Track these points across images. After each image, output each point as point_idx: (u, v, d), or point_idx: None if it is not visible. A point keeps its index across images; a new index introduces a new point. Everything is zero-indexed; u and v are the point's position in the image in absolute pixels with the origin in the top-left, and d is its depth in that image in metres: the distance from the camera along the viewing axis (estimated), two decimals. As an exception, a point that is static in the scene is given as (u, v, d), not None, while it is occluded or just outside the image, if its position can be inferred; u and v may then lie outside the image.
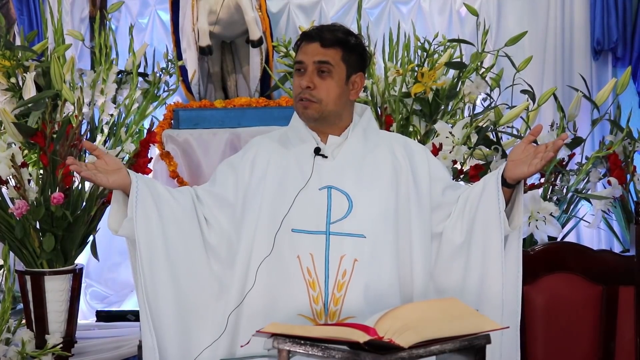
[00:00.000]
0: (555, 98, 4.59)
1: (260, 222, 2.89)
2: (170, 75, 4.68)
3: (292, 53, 4.91)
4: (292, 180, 2.89)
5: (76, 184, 4.10)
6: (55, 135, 4.00)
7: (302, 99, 2.88)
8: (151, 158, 4.31)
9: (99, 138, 4.27)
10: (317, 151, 2.92)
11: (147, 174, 4.28)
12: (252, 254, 2.88)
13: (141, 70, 4.73)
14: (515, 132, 4.49)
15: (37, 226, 4.05)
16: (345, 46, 2.91)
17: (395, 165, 2.96)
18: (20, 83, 4.34)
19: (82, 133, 4.18)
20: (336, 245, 2.84)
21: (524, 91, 4.42)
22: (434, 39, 4.49)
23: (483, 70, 4.55)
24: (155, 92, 4.53)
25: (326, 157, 2.91)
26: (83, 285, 4.52)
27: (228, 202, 2.95)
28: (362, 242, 2.85)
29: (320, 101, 2.88)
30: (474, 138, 4.24)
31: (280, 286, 2.84)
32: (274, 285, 2.84)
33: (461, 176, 4.14)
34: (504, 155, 4.31)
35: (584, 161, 4.59)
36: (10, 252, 4.10)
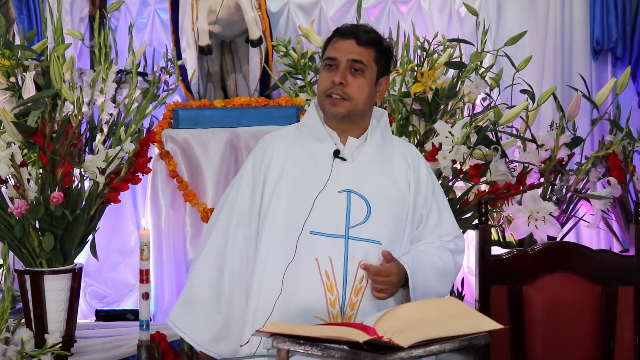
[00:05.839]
0: (555, 98, 4.59)
1: (277, 225, 2.87)
2: (170, 75, 4.68)
3: (292, 53, 4.92)
4: (310, 182, 2.87)
5: (75, 183, 4.10)
6: (54, 135, 4.00)
7: (332, 95, 2.85)
8: (151, 157, 4.30)
9: (99, 137, 4.27)
10: (336, 153, 2.89)
11: (147, 174, 4.28)
12: (268, 257, 2.87)
13: (141, 69, 4.72)
14: (514, 132, 4.50)
15: (37, 225, 4.05)
16: (379, 47, 2.91)
17: (407, 173, 2.95)
18: (20, 82, 4.34)
19: (81, 132, 4.18)
20: (354, 250, 2.83)
21: (523, 91, 4.43)
22: (433, 39, 4.49)
23: (482, 70, 4.56)
24: (155, 91, 4.52)
25: (345, 159, 2.89)
26: (82, 284, 4.52)
27: (248, 221, 2.96)
28: (377, 249, 2.84)
29: (351, 99, 2.85)
30: (474, 138, 4.24)
31: (297, 288, 2.82)
32: (290, 287, 2.82)
33: (461, 176, 4.14)
34: (504, 155, 4.32)
35: (583, 161, 4.60)
36: (10, 252, 4.10)
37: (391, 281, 2.79)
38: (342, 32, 2.90)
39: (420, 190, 2.95)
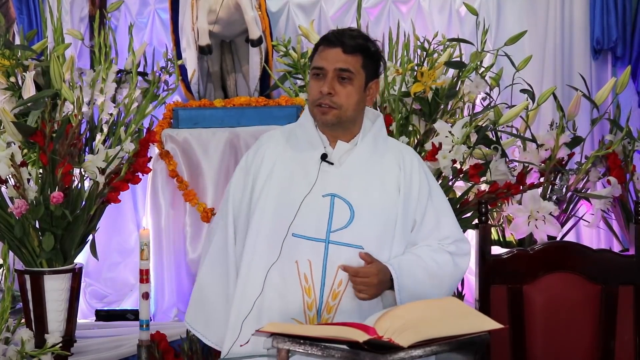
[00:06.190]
0: (555, 97, 4.59)
1: (263, 226, 2.89)
2: (170, 75, 4.68)
3: (292, 52, 4.92)
4: (297, 186, 2.89)
5: (75, 183, 4.10)
6: (54, 135, 4.00)
7: (321, 105, 2.87)
8: (151, 157, 4.30)
9: (99, 137, 4.27)
10: (323, 157, 2.90)
11: (147, 173, 4.28)
12: (254, 256, 2.89)
13: (141, 69, 4.72)
14: (514, 132, 4.49)
15: (37, 225, 4.05)
16: (366, 53, 2.90)
17: (398, 177, 2.94)
18: (20, 82, 4.34)
19: (81, 132, 4.18)
20: (334, 254, 2.84)
21: (523, 90, 4.42)
22: (433, 38, 4.49)
23: (482, 69, 4.56)
24: (155, 91, 4.52)
25: (332, 163, 2.90)
26: (82, 284, 4.52)
27: (239, 216, 3.01)
28: (359, 253, 2.85)
29: (340, 107, 2.86)
30: (474, 137, 4.24)
31: (276, 289, 2.85)
32: (270, 288, 2.85)
33: (461, 175, 4.14)
34: (504, 155, 4.32)
35: (583, 160, 4.60)
36: (10, 252, 4.10)
37: (370, 282, 2.79)
38: (328, 40, 2.90)
39: (412, 194, 2.94)
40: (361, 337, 2.36)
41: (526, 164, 4.41)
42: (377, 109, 4.36)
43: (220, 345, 3.00)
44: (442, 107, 4.42)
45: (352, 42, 2.88)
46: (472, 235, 4.89)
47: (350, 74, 2.86)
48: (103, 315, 5.00)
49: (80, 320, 4.53)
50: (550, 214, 4.26)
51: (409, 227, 2.94)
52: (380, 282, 2.80)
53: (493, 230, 4.56)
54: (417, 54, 4.50)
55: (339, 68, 2.86)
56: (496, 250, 3.99)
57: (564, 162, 4.51)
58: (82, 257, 4.58)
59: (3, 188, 4.05)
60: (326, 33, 2.99)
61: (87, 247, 4.23)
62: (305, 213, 2.85)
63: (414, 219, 2.94)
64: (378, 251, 2.85)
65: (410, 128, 4.40)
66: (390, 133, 4.25)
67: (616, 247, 4.92)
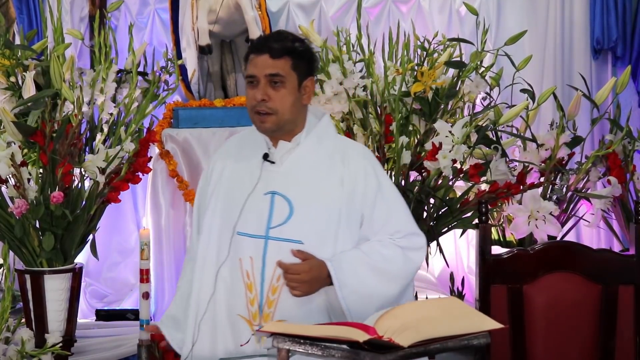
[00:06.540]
0: (555, 97, 4.59)
1: (213, 227, 2.97)
2: (170, 74, 4.67)
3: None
4: (242, 186, 2.94)
5: (75, 182, 4.10)
6: (54, 134, 4.00)
7: (259, 112, 2.91)
8: (151, 157, 4.31)
9: (99, 137, 4.27)
10: (265, 157, 2.95)
11: (147, 173, 4.28)
12: (206, 257, 2.96)
13: (141, 69, 4.72)
14: (514, 132, 4.49)
15: (37, 225, 4.05)
16: (294, 54, 2.93)
17: (342, 172, 2.95)
18: (20, 82, 4.34)
19: (81, 132, 4.18)
20: (274, 250, 2.88)
21: (523, 90, 4.42)
22: (433, 38, 4.49)
23: (483, 69, 4.55)
24: (155, 91, 4.52)
25: (274, 162, 2.94)
26: (82, 284, 4.52)
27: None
28: (298, 248, 2.87)
29: (277, 112, 2.90)
30: (474, 137, 4.24)
31: (224, 287, 2.91)
32: (220, 287, 2.92)
33: (461, 175, 4.14)
34: (504, 154, 4.32)
35: (583, 160, 4.59)
36: (10, 251, 4.10)
37: (301, 279, 2.81)
38: (256, 48, 2.95)
39: (357, 189, 2.94)
40: (361, 337, 2.36)
41: (526, 164, 4.41)
42: (377, 109, 4.38)
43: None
44: (442, 107, 4.42)
45: (278, 45, 2.91)
46: (472, 235, 4.90)
47: (280, 77, 2.90)
48: (103, 315, 5.01)
49: (80, 320, 4.53)
50: (550, 213, 4.26)
51: (356, 222, 2.95)
52: (313, 279, 2.82)
53: (493, 230, 4.56)
54: (417, 54, 4.50)
55: (269, 74, 2.90)
56: (496, 250, 3.99)
57: (564, 162, 4.51)
58: (82, 257, 4.58)
59: (3, 188, 4.06)
60: (253, 41, 3.04)
61: (87, 246, 4.23)
62: (248, 211, 2.90)
63: (361, 214, 2.95)
64: (319, 246, 2.88)
65: (410, 128, 4.40)
66: (390, 133, 4.26)
67: (616, 247, 4.92)
